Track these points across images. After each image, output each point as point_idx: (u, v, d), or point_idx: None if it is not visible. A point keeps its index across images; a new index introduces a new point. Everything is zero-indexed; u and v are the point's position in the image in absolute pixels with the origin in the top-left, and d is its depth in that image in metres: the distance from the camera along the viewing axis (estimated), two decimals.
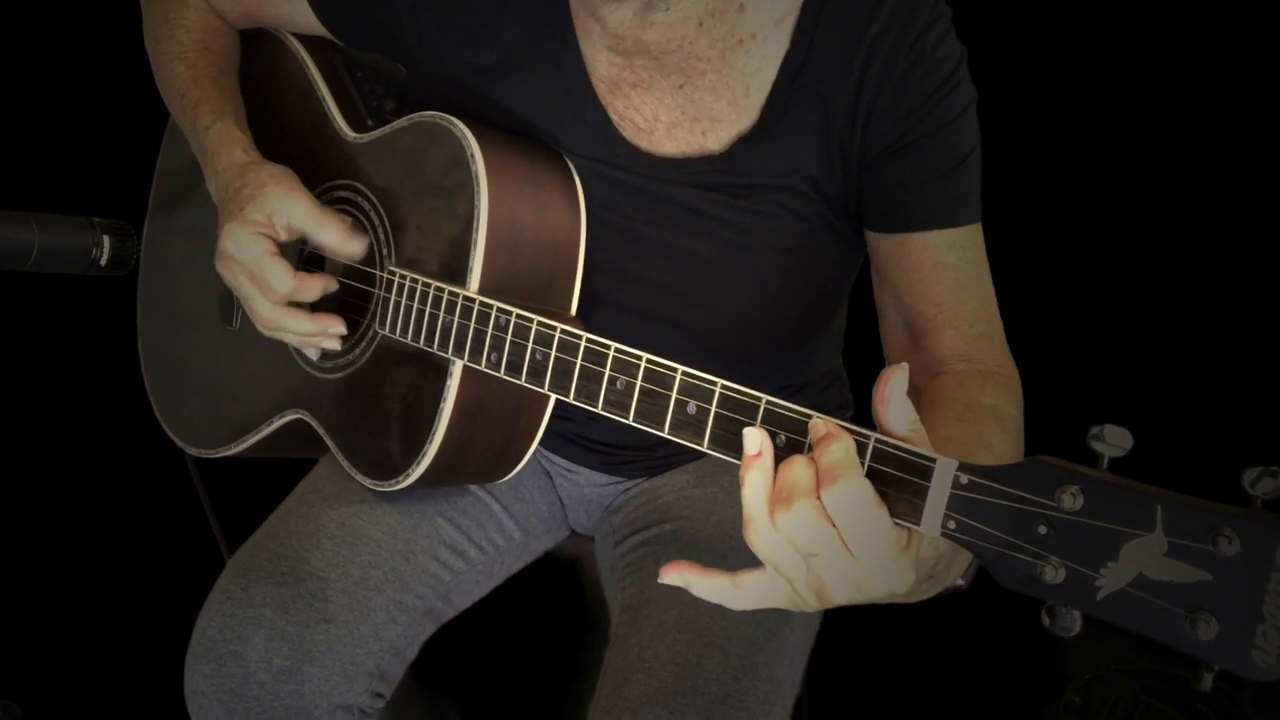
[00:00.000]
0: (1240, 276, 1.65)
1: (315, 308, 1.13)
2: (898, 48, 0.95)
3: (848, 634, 1.24)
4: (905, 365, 0.68)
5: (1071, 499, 0.61)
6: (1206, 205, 1.66)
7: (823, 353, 1.22)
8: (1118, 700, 1.41)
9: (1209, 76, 1.64)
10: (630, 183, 1.04)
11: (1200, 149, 1.65)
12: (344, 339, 1.09)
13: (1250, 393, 1.61)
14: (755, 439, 0.70)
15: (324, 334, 1.06)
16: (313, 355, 1.11)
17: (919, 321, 1.03)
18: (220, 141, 1.10)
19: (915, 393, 0.99)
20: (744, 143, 1.00)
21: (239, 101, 1.17)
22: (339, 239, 1.04)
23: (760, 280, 1.07)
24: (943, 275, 1.00)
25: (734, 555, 1.09)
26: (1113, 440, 0.62)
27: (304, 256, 1.15)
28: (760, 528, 0.69)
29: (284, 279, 1.02)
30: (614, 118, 1.03)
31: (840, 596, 0.70)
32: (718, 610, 1.03)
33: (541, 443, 1.10)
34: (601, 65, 1.02)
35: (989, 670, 1.63)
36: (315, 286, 1.05)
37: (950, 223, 1.00)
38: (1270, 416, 1.56)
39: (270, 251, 1.02)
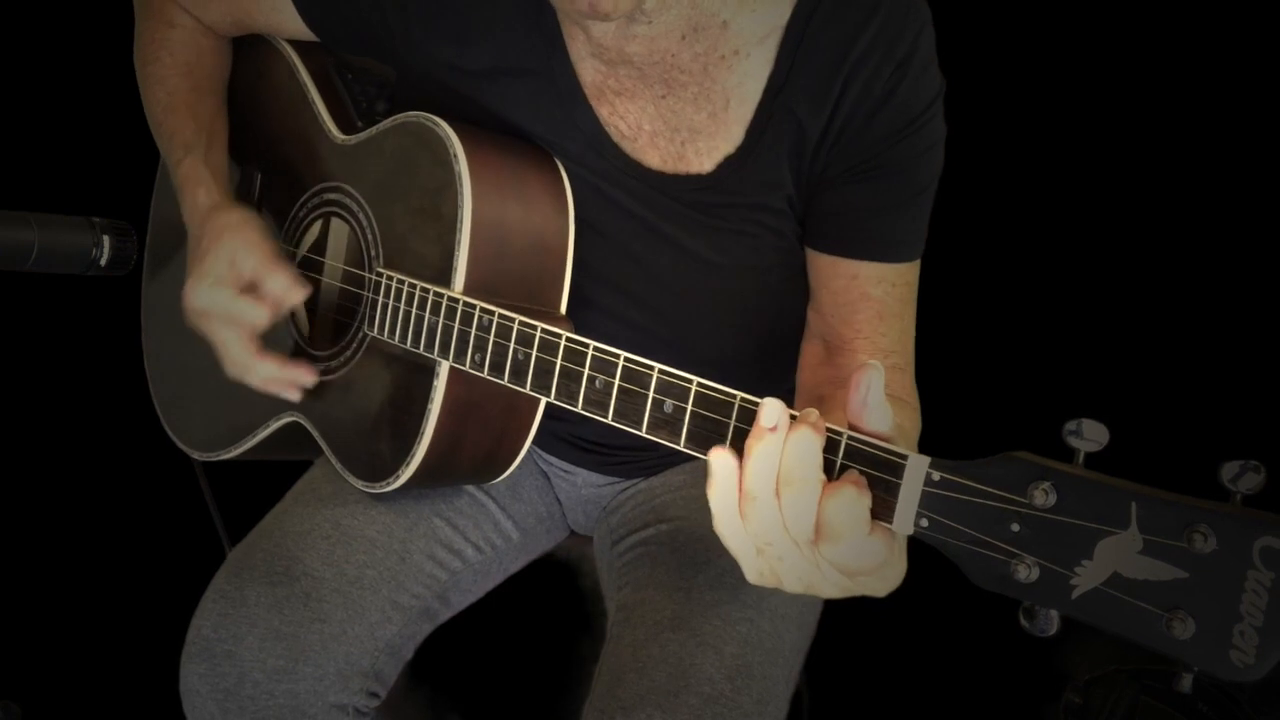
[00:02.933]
0: (1219, 269, 1.63)
1: (311, 308, 1.13)
2: (877, 75, 0.94)
3: (848, 632, 1.23)
4: (879, 365, 0.68)
5: (1044, 495, 0.60)
6: (1183, 199, 1.64)
7: None
8: (1118, 700, 1.39)
9: (1183, 75, 1.62)
10: (614, 195, 1.04)
11: (1176, 142, 1.63)
12: (335, 341, 1.09)
13: (1230, 386, 1.58)
14: (774, 412, 0.68)
15: (291, 384, 1.07)
16: (289, 398, 1.10)
17: (836, 340, 1.04)
18: (186, 179, 1.11)
19: (820, 400, 1.00)
20: (730, 162, 1.00)
21: (214, 129, 1.17)
22: (283, 287, 1.03)
23: (741, 297, 1.07)
24: (866, 305, 1.01)
25: (729, 555, 1.08)
26: (1089, 435, 0.61)
27: (299, 262, 1.15)
28: (761, 504, 0.68)
29: (257, 311, 1.03)
30: (601, 123, 1.02)
31: (831, 591, 0.70)
32: (712, 610, 1.03)
33: (537, 444, 1.10)
34: (587, 72, 1.02)
35: (989, 670, 1.61)
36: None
37: (885, 258, 1.00)
38: (1250, 410, 1.53)
39: (233, 296, 1.03)
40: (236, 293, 1.03)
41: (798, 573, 0.69)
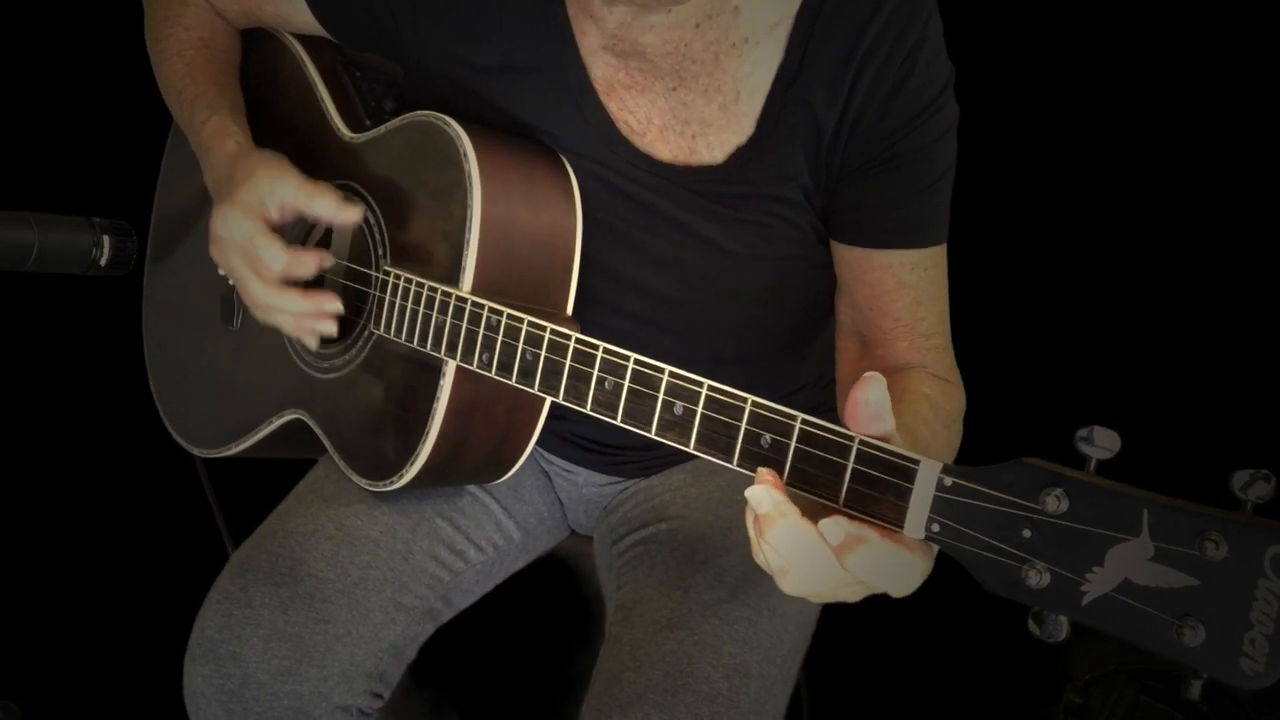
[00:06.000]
0: (1231, 278, 1.63)
1: None
2: (888, 64, 0.94)
3: (848, 632, 1.23)
4: (880, 376, 0.68)
5: (1056, 502, 0.60)
6: (1197, 205, 1.65)
7: (820, 352, 1.21)
8: (1118, 700, 1.40)
9: (1193, 76, 1.63)
10: (626, 189, 1.04)
11: (1191, 148, 1.64)
12: (340, 339, 1.09)
13: (1242, 394, 1.59)
14: (763, 498, 0.68)
15: (319, 313, 1.03)
16: (311, 344, 1.08)
17: (874, 333, 1.04)
18: (214, 135, 1.10)
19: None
20: (741, 153, 1.00)
21: (236, 96, 1.17)
22: (333, 208, 1.01)
23: (755, 289, 1.07)
24: (903, 293, 1.01)
25: (728, 554, 1.09)
26: (1101, 442, 0.61)
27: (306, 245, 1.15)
28: (796, 573, 0.68)
29: (277, 254, 0.99)
30: (611, 118, 1.02)
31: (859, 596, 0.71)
32: (710, 609, 1.03)
33: (539, 443, 1.10)
34: (597, 66, 1.02)
35: (989, 670, 1.62)
36: (310, 261, 1.02)
37: (917, 243, 1.01)
38: (1261, 419, 1.54)
39: (262, 230, 1.00)
40: (263, 227, 1.00)
41: (875, 574, 0.69)
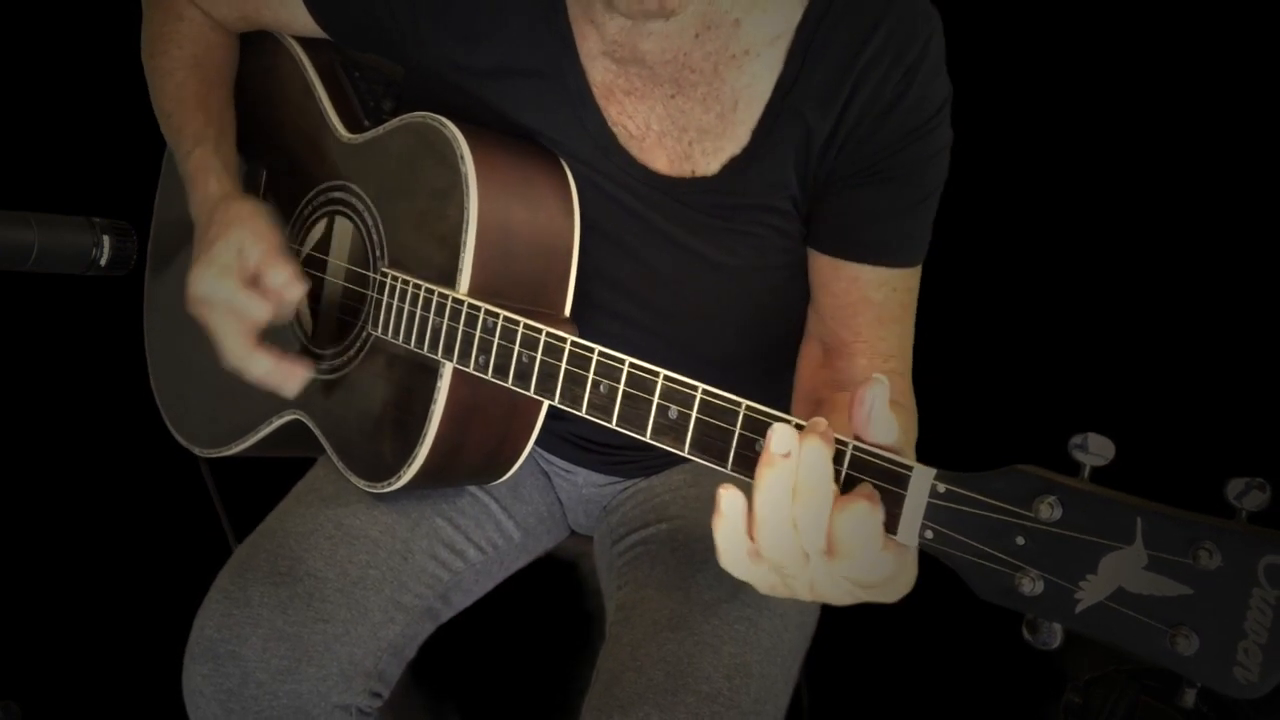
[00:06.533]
0: (1228, 285, 1.63)
1: (314, 306, 1.13)
2: (886, 80, 0.94)
3: (848, 632, 1.23)
4: (884, 380, 0.67)
5: (1049, 509, 0.60)
6: (1192, 211, 1.65)
7: None
8: (1118, 700, 1.40)
9: (1183, 92, 1.63)
10: (618, 196, 1.04)
11: (1182, 154, 1.64)
12: (339, 340, 1.09)
13: (1237, 402, 1.59)
14: (786, 438, 0.65)
15: (288, 379, 1.03)
16: (286, 394, 1.07)
17: (835, 343, 1.04)
18: (197, 169, 1.10)
19: (819, 404, 1.00)
20: (735, 163, 1.00)
21: (224, 122, 1.16)
22: (282, 281, 1.02)
23: (747, 297, 1.08)
24: (867, 308, 1.01)
25: None
26: (1095, 450, 0.61)
27: (303, 260, 1.15)
28: (774, 527, 0.66)
29: (259, 305, 1.01)
30: (609, 124, 1.02)
31: (841, 599, 0.70)
32: (710, 609, 1.03)
33: (539, 443, 1.10)
34: (597, 71, 1.02)
35: (989, 669, 1.62)
36: (293, 295, 1.02)
37: (886, 261, 1.01)
38: (1256, 427, 1.54)
39: (239, 287, 1.01)
40: (241, 284, 1.01)
41: (808, 582, 0.69)
